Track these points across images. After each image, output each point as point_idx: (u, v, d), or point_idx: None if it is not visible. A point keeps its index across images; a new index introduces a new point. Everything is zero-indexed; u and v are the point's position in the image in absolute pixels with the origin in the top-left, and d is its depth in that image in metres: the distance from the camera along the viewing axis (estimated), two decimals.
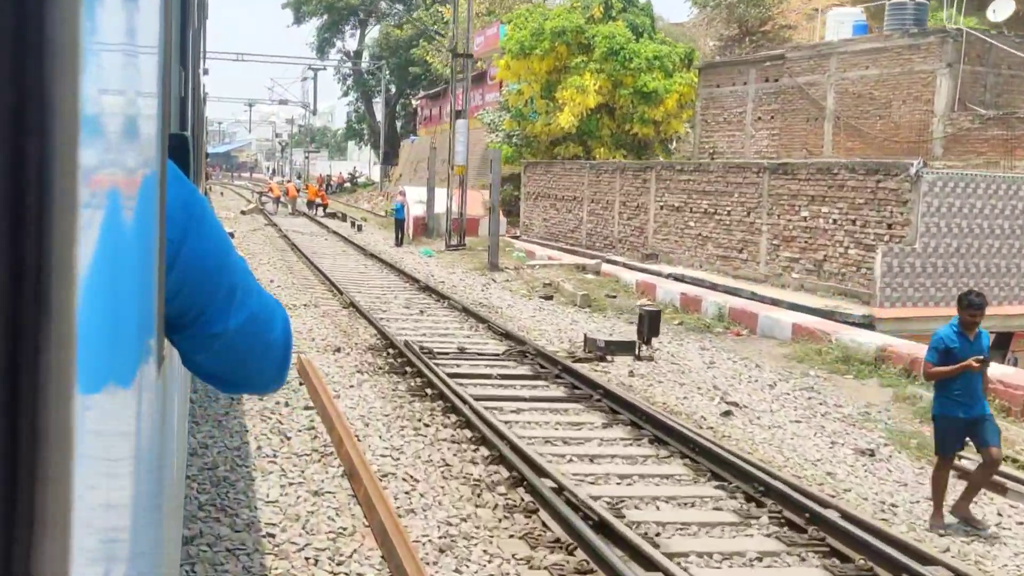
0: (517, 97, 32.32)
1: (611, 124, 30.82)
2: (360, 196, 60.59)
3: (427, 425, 8.53)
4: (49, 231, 0.47)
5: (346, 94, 72.30)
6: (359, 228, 34.03)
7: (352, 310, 15.11)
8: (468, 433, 8.30)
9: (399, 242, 28.69)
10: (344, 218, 40.14)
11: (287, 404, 8.94)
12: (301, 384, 9.70)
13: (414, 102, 61.36)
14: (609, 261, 22.23)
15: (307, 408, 8.84)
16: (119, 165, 0.69)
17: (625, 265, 21.61)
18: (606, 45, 29.89)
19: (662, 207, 21.93)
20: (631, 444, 8.40)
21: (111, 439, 0.69)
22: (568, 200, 27.04)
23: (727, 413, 9.54)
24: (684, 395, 10.32)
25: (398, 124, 66.87)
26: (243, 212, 40.63)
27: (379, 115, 65.59)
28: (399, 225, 29.26)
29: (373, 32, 68.19)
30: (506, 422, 8.66)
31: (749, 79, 27.61)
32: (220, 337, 1.35)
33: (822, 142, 25.24)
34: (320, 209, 43.13)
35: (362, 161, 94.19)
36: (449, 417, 8.83)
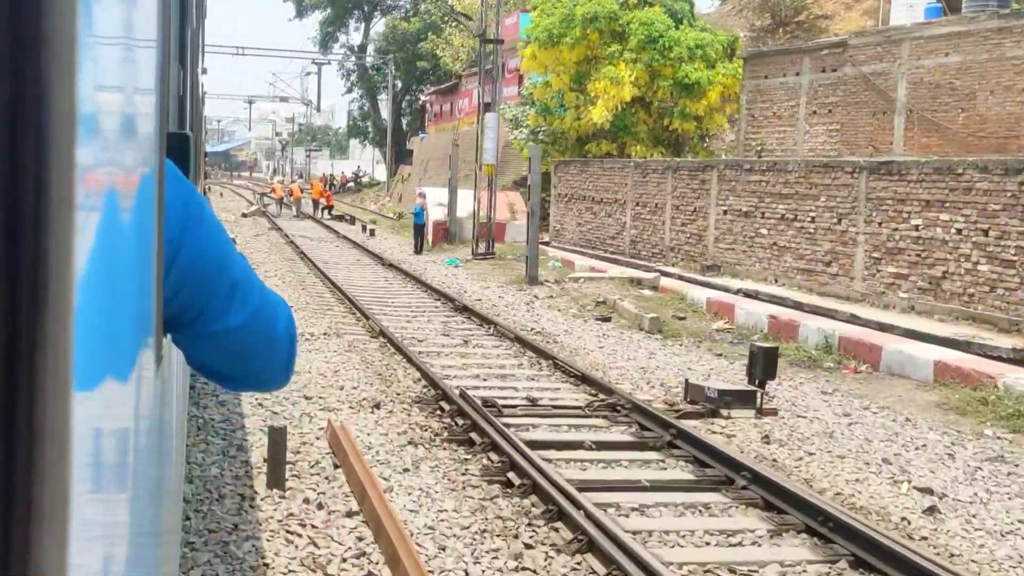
0: (544, 90, 29.45)
1: (648, 119, 28.06)
2: (366, 197, 57.41)
3: (529, 546, 5.83)
4: (46, 230, 0.47)
5: (350, 90, 68.28)
6: (371, 233, 30.99)
7: (383, 341, 12.43)
8: (596, 564, 5.61)
9: (419, 249, 25.65)
10: (352, 221, 37.12)
11: (320, 505, 6.27)
12: (336, 467, 7.05)
13: (423, 98, 58.14)
14: (663, 273, 19.52)
15: (350, 514, 6.17)
16: (117, 164, 0.70)
17: (682, 278, 18.89)
18: (643, 32, 27.14)
19: (725, 212, 19.22)
20: (829, 572, 5.74)
21: (108, 437, 0.69)
22: (608, 203, 24.28)
23: (931, 510, 6.86)
24: (854, 475, 7.61)
25: (403, 121, 63.94)
26: (244, 215, 37.86)
27: (385, 112, 63.20)
28: (418, 231, 26.06)
29: (378, 26, 65.46)
30: (635, 532, 6.01)
31: (803, 69, 24.97)
32: (221, 335, 1.34)
33: (891, 138, 22.61)
34: (326, 212, 40.15)
35: (365, 160, 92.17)
36: (556, 528, 6.14)
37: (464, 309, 15.31)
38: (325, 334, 12.84)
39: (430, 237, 27.13)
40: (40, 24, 0.46)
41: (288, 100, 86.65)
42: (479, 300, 16.67)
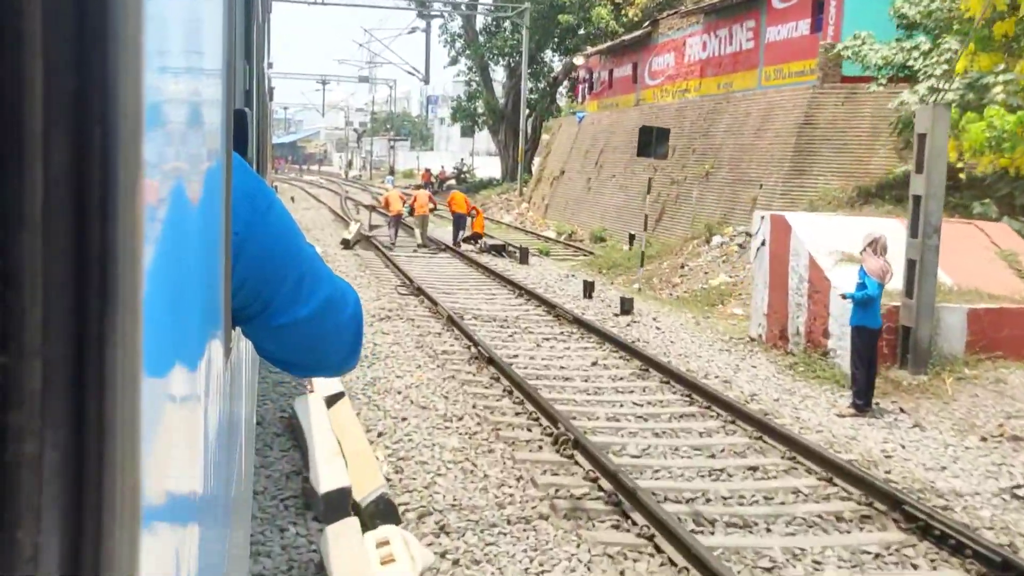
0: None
1: None
2: (488, 202, 39.67)
3: None
4: (113, 222, 0.47)
5: (455, 61, 51.83)
6: (625, 310, 14.41)
7: None
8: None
9: (866, 392, 9.19)
10: (524, 258, 21.15)
11: None
12: None
13: (579, 60, 39.12)
14: None
15: None
16: (183, 157, 0.70)
17: None
18: None
19: None
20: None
21: (178, 428, 0.69)
22: None
23: None
24: None
25: (530, 98, 46.21)
26: (347, 244, 22.78)
27: (500, 88, 48.78)
28: (869, 343, 9.02)
29: None
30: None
31: None
32: (290, 327, 1.35)
33: None
34: (473, 241, 23.36)
35: (451, 150, 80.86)
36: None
37: None
38: None
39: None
40: (106, 16, 0.46)
41: (369, 80, 75.54)
42: None
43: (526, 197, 39.33)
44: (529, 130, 45.67)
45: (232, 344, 1.29)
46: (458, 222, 23.45)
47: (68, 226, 0.45)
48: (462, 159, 61.54)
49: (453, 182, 52.64)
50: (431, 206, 23.98)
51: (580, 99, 40.14)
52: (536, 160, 44.69)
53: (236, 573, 1.64)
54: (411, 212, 23.33)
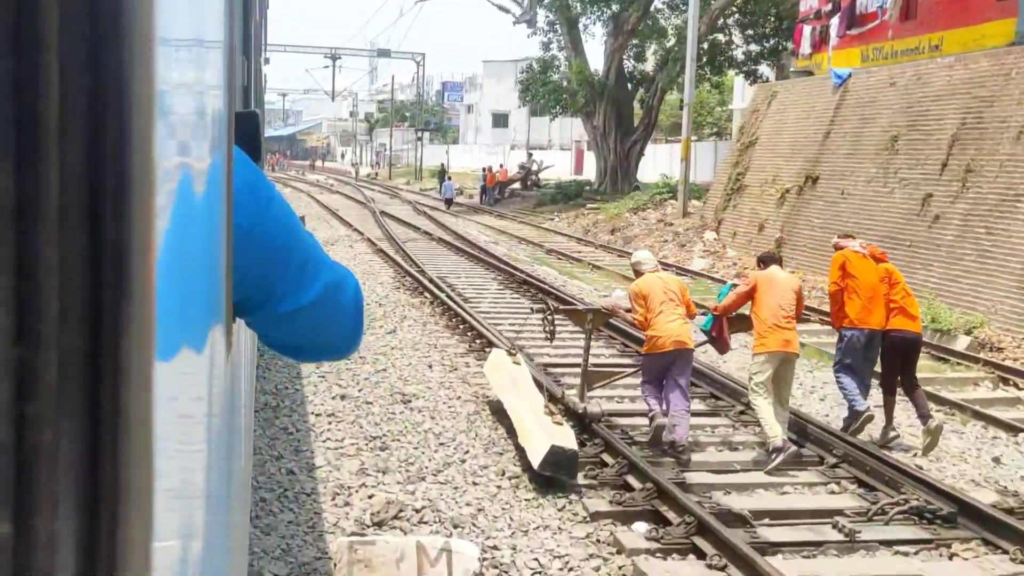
0: None
1: None
2: (622, 223, 26.06)
3: None
4: (128, 216, 0.48)
5: (529, 21, 36.11)
6: None
7: None
8: None
9: None
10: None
11: None
12: None
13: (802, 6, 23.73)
14: None
15: None
16: (189, 151, 0.71)
17: None
18: None
19: None
20: None
21: (186, 418, 0.71)
22: None
23: None
24: None
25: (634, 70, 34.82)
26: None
27: (607, 57, 33.65)
28: None
29: None
30: None
31: None
32: (293, 314, 1.37)
33: None
34: None
35: (480, 143, 66.65)
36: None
37: None
38: None
39: None
40: (120, 17, 0.47)
41: (390, 55, 62.63)
42: None
43: (709, 220, 22.50)
44: (642, 109, 33.51)
45: (233, 336, 1.30)
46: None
47: (83, 220, 0.46)
48: (530, 154, 46.27)
49: (517, 186, 40.08)
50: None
51: (810, 49, 22.47)
52: (701, 158, 31.52)
53: (238, 556, 1.65)
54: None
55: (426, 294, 14.46)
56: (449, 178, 39.27)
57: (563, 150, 59.72)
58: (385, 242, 22.19)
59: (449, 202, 36.23)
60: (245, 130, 1.44)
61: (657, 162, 40.00)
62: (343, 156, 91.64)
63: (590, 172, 42.12)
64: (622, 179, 33.45)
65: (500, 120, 70.80)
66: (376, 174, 65.04)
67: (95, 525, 0.48)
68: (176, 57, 0.63)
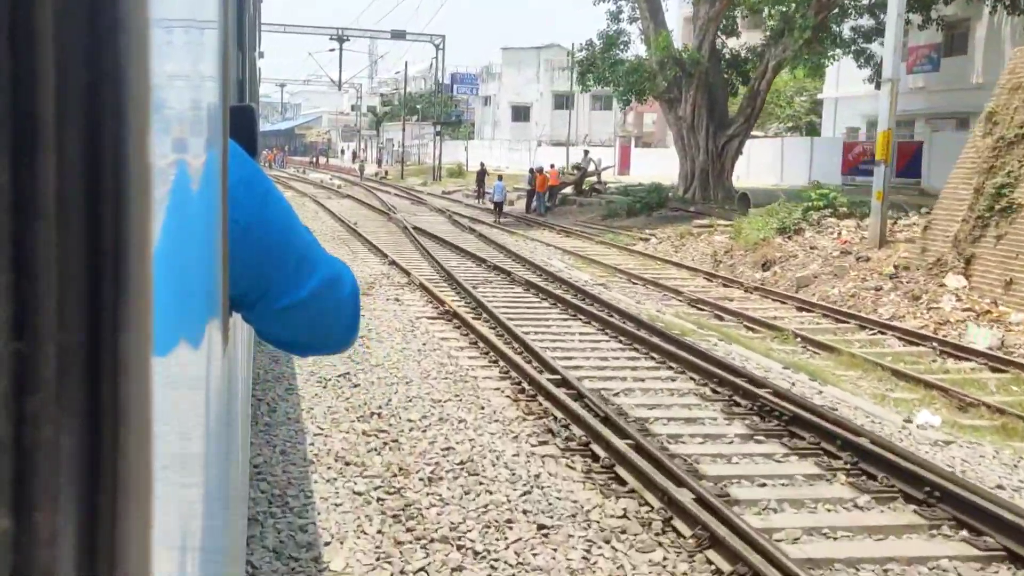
0: None
1: None
2: (729, 253, 18.73)
3: None
4: (126, 212, 0.48)
5: None
6: None
7: None
8: None
9: None
10: None
11: None
12: None
13: None
14: None
15: None
16: (185, 145, 0.71)
17: None
18: None
19: None
20: None
21: (184, 413, 0.71)
22: None
23: None
24: None
25: (730, 51, 28.88)
26: None
27: (699, 31, 26.84)
28: None
29: None
30: None
31: None
32: (290, 309, 1.38)
33: None
34: None
35: (499, 138, 59.88)
36: None
37: None
38: None
39: None
40: (116, 10, 0.47)
41: (405, 35, 55.43)
42: None
43: (947, 256, 14.64)
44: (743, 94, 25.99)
45: (230, 333, 1.31)
46: None
47: (81, 216, 0.46)
48: (586, 151, 37.69)
49: (569, 190, 32.78)
50: None
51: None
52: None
53: (235, 547, 1.66)
54: None
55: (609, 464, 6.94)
56: (500, 177, 30.78)
57: (593, 146, 48.14)
58: (443, 285, 14.99)
59: (499, 207, 28.83)
60: (241, 125, 1.43)
61: (749, 161, 31.81)
62: (343, 153, 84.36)
63: (637, 172, 36.17)
64: (715, 184, 26.75)
65: (521, 113, 62.90)
66: (386, 173, 57.90)
67: (95, 519, 0.48)
68: (172, 49, 0.63)
